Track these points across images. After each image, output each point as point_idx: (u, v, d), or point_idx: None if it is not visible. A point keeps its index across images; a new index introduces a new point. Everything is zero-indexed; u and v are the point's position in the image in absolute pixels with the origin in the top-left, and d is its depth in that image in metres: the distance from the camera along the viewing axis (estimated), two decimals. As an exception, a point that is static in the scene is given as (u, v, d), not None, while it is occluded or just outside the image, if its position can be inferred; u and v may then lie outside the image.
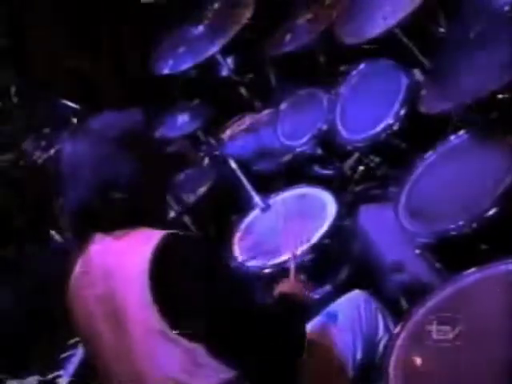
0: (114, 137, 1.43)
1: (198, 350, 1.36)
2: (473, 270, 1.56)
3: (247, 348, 1.39)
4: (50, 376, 2.12)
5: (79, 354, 2.15)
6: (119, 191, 1.40)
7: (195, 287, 1.35)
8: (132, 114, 1.52)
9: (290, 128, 2.77)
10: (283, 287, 1.69)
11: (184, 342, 1.35)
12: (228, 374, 1.39)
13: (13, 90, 3.22)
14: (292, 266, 1.84)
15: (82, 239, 1.48)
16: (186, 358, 1.36)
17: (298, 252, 2.02)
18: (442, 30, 2.29)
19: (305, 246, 2.10)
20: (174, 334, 1.34)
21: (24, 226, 2.73)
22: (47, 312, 2.21)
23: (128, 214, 1.42)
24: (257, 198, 2.40)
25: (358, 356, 1.68)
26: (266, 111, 3.08)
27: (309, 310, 1.64)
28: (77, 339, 2.18)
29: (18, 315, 2.29)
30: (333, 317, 1.75)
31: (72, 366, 2.13)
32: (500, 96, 1.91)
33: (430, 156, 2.05)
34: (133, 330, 1.38)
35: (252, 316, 1.40)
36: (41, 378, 2.09)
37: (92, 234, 1.46)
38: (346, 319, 1.74)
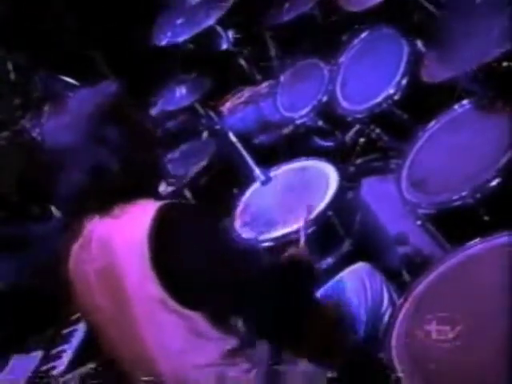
0: (92, 113, 1.40)
1: (199, 318, 1.37)
2: (475, 241, 1.55)
3: (247, 315, 1.40)
4: (54, 351, 2.13)
5: (82, 328, 2.16)
6: (109, 168, 1.38)
7: (194, 255, 1.35)
8: (106, 85, 1.49)
9: (290, 100, 2.74)
10: (292, 251, 1.68)
11: (185, 311, 1.36)
12: (230, 342, 1.40)
13: (10, 66, 3.18)
14: (301, 237, 1.82)
15: (78, 217, 1.47)
16: (187, 327, 1.37)
17: (302, 224, 2.01)
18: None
19: (307, 219, 2.09)
20: (174, 303, 1.35)
21: (23, 202, 2.73)
22: (50, 287, 2.22)
23: (121, 190, 1.41)
24: (257, 171, 2.38)
25: (363, 328, 1.69)
26: (266, 83, 3.04)
27: (317, 273, 1.63)
28: (79, 314, 2.19)
29: (20, 291, 2.30)
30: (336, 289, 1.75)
31: (75, 341, 2.14)
32: (504, 64, 1.88)
33: (433, 126, 2.02)
34: (133, 301, 1.38)
35: (252, 283, 1.39)
36: (45, 353, 2.11)
37: (88, 212, 1.45)
38: (350, 292, 1.74)
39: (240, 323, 1.42)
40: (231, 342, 1.40)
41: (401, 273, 2.01)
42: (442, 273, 1.55)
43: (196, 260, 1.35)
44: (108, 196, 1.41)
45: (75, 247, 1.49)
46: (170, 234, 1.35)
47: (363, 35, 2.51)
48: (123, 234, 1.39)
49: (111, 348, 1.52)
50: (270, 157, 2.64)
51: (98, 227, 1.44)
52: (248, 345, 1.43)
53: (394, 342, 1.44)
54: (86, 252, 1.45)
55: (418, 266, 1.95)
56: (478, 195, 1.66)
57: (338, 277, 1.82)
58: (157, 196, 1.50)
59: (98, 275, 1.43)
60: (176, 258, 1.34)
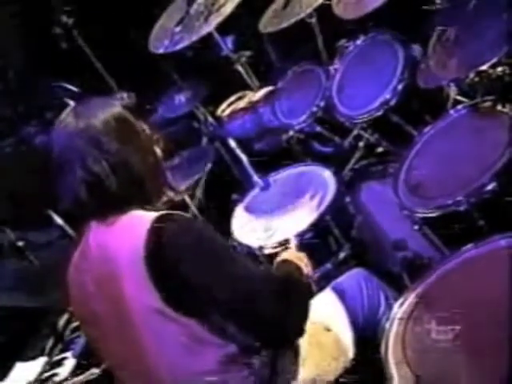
0: (97, 124, 1.42)
1: (197, 325, 1.38)
2: (470, 245, 1.56)
3: (246, 321, 1.40)
4: (57, 358, 2.14)
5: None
6: (109, 179, 1.40)
7: (191, 265, 1.35)
8: (116, 98, 1.51)
9: (288, 106, 2.75)
10: (285, 255, 1.68)
11: (183, 318, 1.37)
12: (229, 348, 1.41)
13: (11, 74, 3.21)
14: (293, 244, 1.83)
15: (76, 226, 1.48)
16: (186, 334, 1.38)
17: (299, 231, 2.02)
18: (438, 1, 2.25)
19: (305, 224, 2.10)
20: (173, 312, 1.36)
21: (26, 209, 2.74)
22: (51, 295, 2.23)
23: (120, 200, 1.42)
24: (256, 177, 2.39)
25: (360, 332, 1.69)
26: (264, 89, 3.05)
27: (311, 280, 1.62)
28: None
29: (22, 297, 2.31)
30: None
31: (78, 347, 2.15)
32: (499, 68, 1.89)
33: (429, 131, 2.03)
34: (132, 311, 1.39)
35: (250, 290, 1.40)
36: (47, 360, 2.12)
37: (86, 221, 1.46)
38: (347, 297, 1.75)
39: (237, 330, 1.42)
40: (230, 349, 1.41)
41: (401, 276, 2.02)
42: (440, 277, 1.56)
43: (192, 270, 1.35)
44: (107, 205, 1.42)
45: (75, 256, 1.51)
46: (165, 246, 1.35)
47: (359, 41, 2.52)
48: (120, 245, 1.40)
49: (109, 356, 1.53)
50: (268, 163, 2.65)
51: (96, 237, 1.45)
52: (247, 351, 1.43)
53: (391, 345, 1.45)
54: (85, 261, 1.47)
55: (417, 269, 1.96)
56: (473, 199, 1.67)
57: (334, 282, 1.83)
58: (157, 204, 1.51)
59: (96, 284, 1.44)
60: (173, 269, 1.35)
